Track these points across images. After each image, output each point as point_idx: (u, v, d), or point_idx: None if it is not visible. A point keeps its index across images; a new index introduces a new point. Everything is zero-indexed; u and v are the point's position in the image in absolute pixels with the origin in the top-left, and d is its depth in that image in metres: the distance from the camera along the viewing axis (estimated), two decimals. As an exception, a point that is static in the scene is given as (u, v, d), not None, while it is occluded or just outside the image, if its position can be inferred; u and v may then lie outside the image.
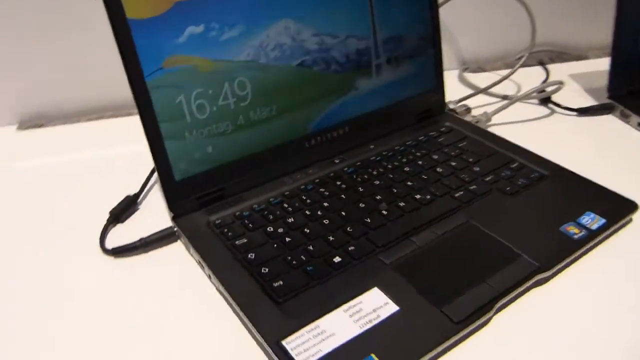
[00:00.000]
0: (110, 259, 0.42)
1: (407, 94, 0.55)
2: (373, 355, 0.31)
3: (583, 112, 0.61)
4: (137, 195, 0.48)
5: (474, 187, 0.46)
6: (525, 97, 0.62)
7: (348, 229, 0.41)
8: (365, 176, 0.48)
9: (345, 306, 0.34)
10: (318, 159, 0.50)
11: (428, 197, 0.45)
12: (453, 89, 0.66)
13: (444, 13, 0.67)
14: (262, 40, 0.44)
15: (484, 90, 0.63)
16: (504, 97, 0.64)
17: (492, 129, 0.57)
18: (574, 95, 0.64)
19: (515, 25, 0.67)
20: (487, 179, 0.47)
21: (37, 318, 0.37)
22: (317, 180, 0.47)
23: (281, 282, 0.36)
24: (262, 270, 0.37)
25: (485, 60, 0.74)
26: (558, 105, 0.62)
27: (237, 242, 0.40)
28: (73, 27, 0.61)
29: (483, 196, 0.45)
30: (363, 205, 0.44)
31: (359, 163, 0.50)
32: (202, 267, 0.40)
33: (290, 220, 0.42)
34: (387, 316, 0.34)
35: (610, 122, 0.59)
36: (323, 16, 0.47)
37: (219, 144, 0.44)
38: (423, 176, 0.47)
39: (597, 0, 0.72)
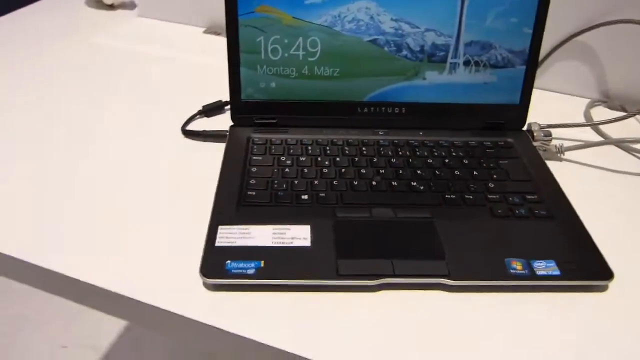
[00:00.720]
0: (181, 138, 0.58)
1: (480, 100, 0.57)
2: (262, 262, 0.41)
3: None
4: (227, 102, 0.62)
5: (471, 197, 0.48)
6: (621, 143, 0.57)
7: (334, 182, 0.49)
8: (390, 152, 0.54)
9: (276, 226, 0.44)
10: (364, 126, 0.57)
11: (422, 187, 0.49)
12: (568, 117, 0.63)
13: (594, 37, 0.64)
14: (341, 12, 0.53)
15: (592, 125, 0.60)
16: (605, 139, 0.60)
17: (556, 163, 0.56)
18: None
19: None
20: (491, 196, 0.49)
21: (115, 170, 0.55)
22: (349, 140, 0.55)
23: (253, 193, 0.48)
24: (250, 181, 0.49)
25: (631, 100, 0.67)
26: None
27: (253, 157, 0.52)
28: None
29: (470, 207, 0.47)
30: (364, 171, 0.51)
31: (396, 141, 0.55)
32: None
33: (302, 159, 0.52)
34: (297, 245, 0.42)
35: None
36: (407, 6, 0.53)
37: (282, 83, 0.55)
38: (437, 171, 0.51)
39: None
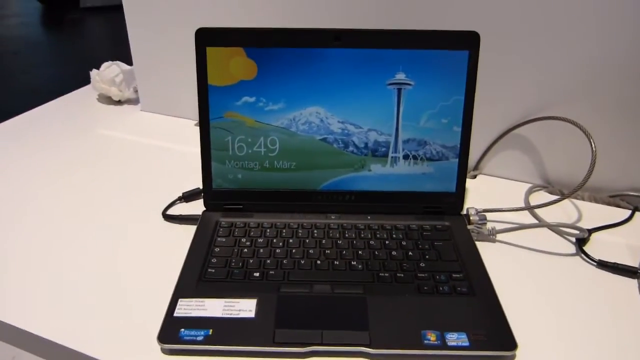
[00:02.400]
0: (162, 221, 0.67)
1: (419, 188, 0.65)
2: (210, 330, 0.48)
3: (604, 265, 0.60)
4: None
5: (402, 275, 0.55)
6: (554, 227, 0.64)
7: (284, 261, 0.57)
8: (337, 235, 0.62)
9: (227, 300, 0.51)
10: (319, 211, 0.65)
11: (359, 266, 0.57)
12: (507, 201, 0.70)
13: (536, 128, 0.73)
14: (296, 116, 0.63)
15: (529, 209, 0.67)
16: (539, 222, 0.67)
17: (489, 245, 0.63)
18: (616, 250, 0.63)
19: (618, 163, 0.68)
20: (420, 274, 0.56)
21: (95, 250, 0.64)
22: (303, 224, 0.63)
23: (213, 270, 0.55)
24: (212, 260, 0.57)
25: (570, 184, 0.75)
26: (583, 251, 0.62)
27: (218, 239, 0.61)
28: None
29: (400, 283, 0.54)
30: (311, 251, 0.59)
31: (344, 224, 0.63)
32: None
33: (260, 240, 0.60)
34: (242, 317, 0.49)
35: (627, 286, 0.58)
36: (351, 110, 0.63)
37: (247, 175, 0.65)
38: (376, 252, 0.59)
39: None
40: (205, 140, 0.64)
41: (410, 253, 0.59)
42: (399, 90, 0.62)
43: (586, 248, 0.62)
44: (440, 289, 0.54)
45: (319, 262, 0.57)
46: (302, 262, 0.57)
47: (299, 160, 0.64)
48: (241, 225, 0.63)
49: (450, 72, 0.61)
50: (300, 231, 0.62)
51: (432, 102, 0.62)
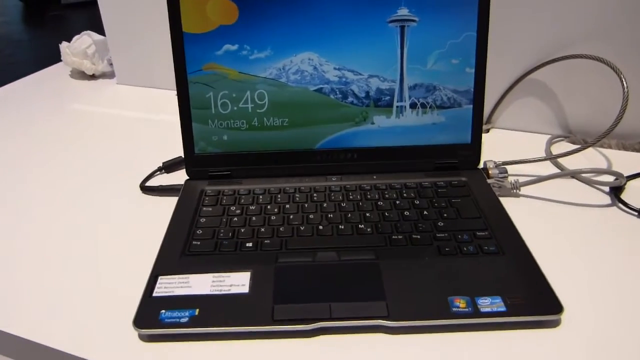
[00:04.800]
0: (140, 194, 0.59)
1: (430, 141, 0.57)
2: (197, 310, 0.40)
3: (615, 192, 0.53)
4: (186, 159, 0.64)
5: (418, 236, 0.48)
6: (583, 175, 0.57)
7: (281, 229, 0.49)
8: (340, 197, 0.54)
9: (216, 274, 0.44)
10: (317, 173, 0.58)
11: (368, 229, 0.49)
12: (528, 153, 0.63)
13: (550, 73, 0.65)
14: (286, 64, 0.55)
15: (551, 159, 0.60)
16: (563, 171, 0.59)
17: (512, 199, 0.55)
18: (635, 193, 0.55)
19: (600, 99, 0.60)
20: (440, 235, 0.48)
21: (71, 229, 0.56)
22: (301, 188, 0.55)
23: (198, 243, 0.48)
24: (197, 231, 0.49)
25: (594, 132, 0.67)
26: (621, 200, 0.55)
27: (203, 208, 0.53)
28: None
29: (416, 246, 0.47)
30: (312, 216, 0.51)
31: (347, 186, 0.56)
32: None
33: (252, 208, 0.52)
34: (235, 292, 0.42)
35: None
36: (348, 54, 0.55)
37: (233, 135, 0.57)
38: (385, 213, 0.51)
39: None
40: (184, 98, 0.55)
41: (425, 212, 0.51)
42: (402, 28, 0.54)
43: (623, 197, 0.55)
44: (464, 249, 0.46)
45: (321, 227, 0.49)
46: (302, 228, 0.49)
47: (291, 115, 0.56)
48: (229, 192, 0.55)
49: (460, 4, 0.53)
50: (297, 195, 0.54)
51: (440, 41, 0.54)
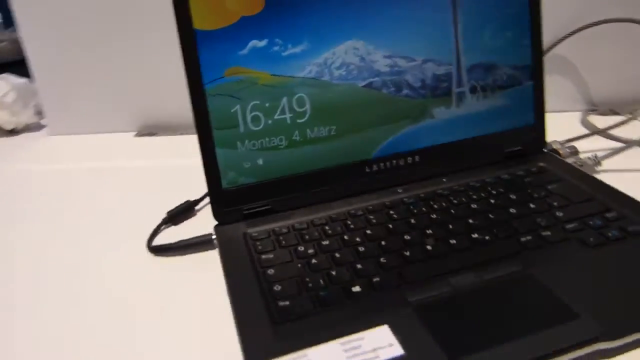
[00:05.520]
0: (150, 256, 0.44)
1: (495, 128, 0.49)
2: (352, 397, 0.27)
3: None
4: (196, 202, 0.49)
5: (548, 233, 0.39)
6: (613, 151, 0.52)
7: (382, 259, 0.37)
8: (424, 209, 0.43)
9: (343, 339, 0.31)
10: (379, 187, 0.47)
11: (487, 237, 0.39)
12: (570, 132, 0.57)
13: (570, 46, 0.60)
14: (327, 58, 0.44)
15: (601, 132, 0.54)
16: (627, 142, 0.54)
17: (600, 176, 0.49)
18: None
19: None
20: (569, 226, 0.39)
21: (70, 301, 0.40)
22: (369, 207, 0.44)
23: (287, 303, 0.34)
24: (274, 288, 0.36)
25: (620, 102, 0.64)
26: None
27: (262, 257, 0.39)
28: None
29: (556, 244, 0.38)
30: (408, 237, 0.40)
31: (422, 195, 0.45)
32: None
33: (325, 243, 0.40)
34: (388, 358, 0.29)
35: None
36: (397, 38, 0.45)
37: (270, 157, 0.44)
38: (490, 215, 0.42)
39: None
40: (202, 118, 0.42)
41: (532, 205, 0.42)
42: (453, 1, 0.46)
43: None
44: (609, 234, 0.38)
45: (429, 247, 0.38)
46: (407, 253, 0.38)
47: (339, 121, 0.45)
48: (284, 230, 0.42)
49: (508, -33, 0.46)
50: (372, 217, 0.43)
51: (492, 12, 0.47)
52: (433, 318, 0.32)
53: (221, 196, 0.43)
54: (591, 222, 0.39)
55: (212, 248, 0.43)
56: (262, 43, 0.42)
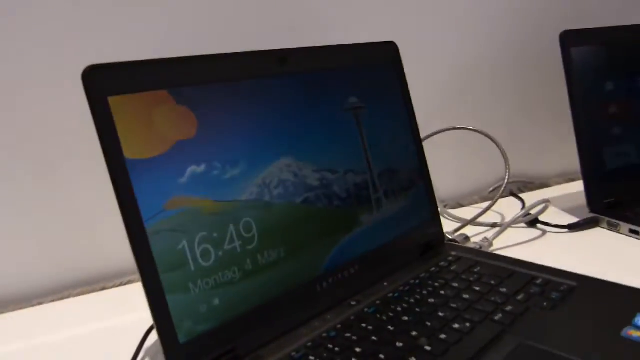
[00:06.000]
0: None
1: (408, 226, 0.53)
2: None
3: (573, 227, 0.61)
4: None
5: (510, 307, 0.41)
6: (515, 221, 0.62)
7: (392, 374, 0.34)
8: (391, 314, 0.42)
9: None
10: (333, 304, 0.44)
11: (467, 324, 0.39)
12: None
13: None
14: (265, 178, 0.42)
15: (473, 221, 0.63)
16: (494, 225, 0.64)
17: (499, 253, 0.55)
18: (555, 216, 0.65)
19: (484, 162, 0.70)
20: (519, 297, 0.43)
21: None
22: (339, 326, 0.41)
23: None
24: None
25: (462, 196, 0.76)
26: (547, 224, 0.62)
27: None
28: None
29: (523, 315, 0.40)
30: (401, 344, 0.38)
31: (378, 302, 0.44)
32: None
33: (337, 349, 0.35)
34: None
35: (600, 234, 0.60)
36: (321, 154, 0.46)
37: (226, 294, 0.38)
38: (452, 305, 0.43)
39: (554, 132, 0.78)
40: (145, 263, 0.34)
41: (477, 288, 0.45)
42: (356, 116, 0.50)
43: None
44: (553, 296, 0.43)
45: (427, 348, 0.37)
46: (413, 359, 0.36)
47: (286, 241, 0.42)
48: (267, 374, 0.36)
49: (386, 86, 0.54)
50: (347, 334, 0.40)
51: (385, 124, 0.53)
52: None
53: (180, 354, 0.35)
54: (532, 291, 0.44)
55: None
56: (201, 168, 0.38)
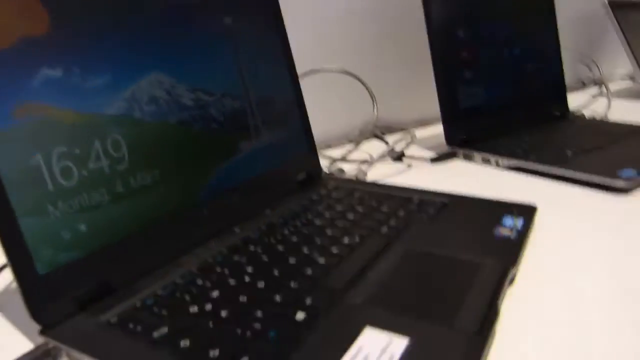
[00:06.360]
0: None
1: (287, 156, 0.51)
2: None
3: (434, 160, 0.65)
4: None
5: (393, 222, 0.43)
6: (383, 156, 0.65)
7: (292, 284, 0.33)
8: (279, 237, 0.41)
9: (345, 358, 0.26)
10: (215, 232, 0.41)
11: (357, 238, 0.40)
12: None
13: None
14: (135, 92, 0.37)
15: (345, 157, 0.64)
16: (363, 162, 0.65)
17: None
18: (418, 152, 0.69)
19: (352, 105, 0.72)
20: (400, 214, 0.45)
21: None
22: (225, 251, 0.38)
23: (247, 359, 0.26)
24: (211, 355, 0.26)
25: (330, 138, 0.76)
26: (412, 157, 0.65)
27: (155, 335, 0.28)
28: None
29: (406, 228, 0.42)
30: (294, 260, 0.36)
31: (264, 227, 0.42)
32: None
33: (215, 294, 0.32)
34: (402, 352, 0.26)
35: (458, 164, 0.65)
36: (195, 73, 0.42)
37: (94, 220, 0.33)
38: (338, 225, 0.43)
39: (418, 79, 0.82)
40: (-11, 179, 0.28)
41: (360, 209, 0.46)
42: (232, 39, 0.47)
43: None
44: (430, 211, 0.45)
45: (321, 261, 0.36)
46: (309, 272, 0.35)
47: (161, 165, 0.38)
48: (150, 301, 0.32)
49: (262, 14, 0.51)
50: (236, 256, 0.37)
51: (261, 52, 0.50)
52: (394, 302, 0.30)
53: (40, 287, 0.29)
54: (410, 208, 0.46)
55: (50, 366, 0.28)
56: (56, 72, 0.32)
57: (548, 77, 0.83)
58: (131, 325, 0.29)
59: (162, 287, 0.33)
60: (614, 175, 0.52)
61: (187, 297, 0.32)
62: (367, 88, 0.66)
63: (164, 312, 0.30)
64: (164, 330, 0.29)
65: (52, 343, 0.29)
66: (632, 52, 1.01)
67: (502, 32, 0.75)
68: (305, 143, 0.54)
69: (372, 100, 0.67)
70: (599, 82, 1.02)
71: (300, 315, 0.30)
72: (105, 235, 0.33)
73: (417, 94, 0.82)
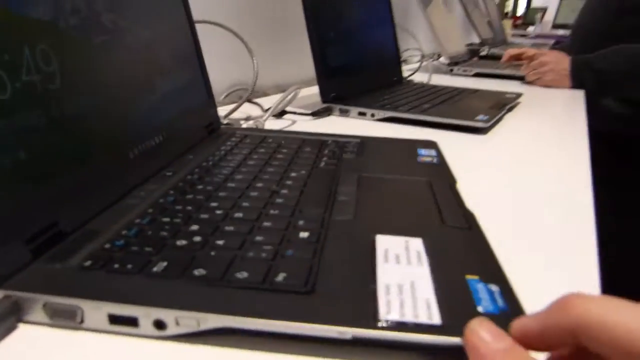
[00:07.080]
0: None
1: (193, 103, 0.48)
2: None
3: (314, 114, 0.67)
4: None
5: (325, 158, 0.43)
6: (268, 113, 0.64)
7: (272, 211, 0.31)
8: (221, 176, 0.38)
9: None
10: (148, 174, 0.36)
11: (303, 172, 0.39)
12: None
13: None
14: (56, -2, 0.30)
15: (230, 114, 0.61)
16: (247, 119, 0.63)
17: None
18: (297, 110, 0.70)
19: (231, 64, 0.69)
20: (326, 152, 0.45)
21: None
22: (171, 191, 0.34)
23: (245, 274, 0.24)
24: (239, 276, 0.24)
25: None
26: (294, 112, 0.66)
27: (155, 270, 0.24)
28: None
29: (341, 161, 0.43)
30: (256, 194, 0.34)
31: (197, 169, 0.39)
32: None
33: (195, 228, 0.29)
34: (424, 248, 0.27)
35: (336, 119, 0.68)
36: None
37: (34, 145, 0.26)
38: (274, 163, 0.41)
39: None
40: None
41: (285, 150, 0.45)
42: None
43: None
44: (352, 150, 0.47)
45: (284, 191, 0.35)
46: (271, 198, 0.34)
47: (93, 93, 0.32)
48: (134, 231, 0.27)
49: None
50: (188, 191, 0.34)
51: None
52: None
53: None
54: (331, 149, 0.46)
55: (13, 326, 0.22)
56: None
57: (389, 50, 0.92)
58: (116, 266, 0.24)
59: (124, 228, 0.28)
60: (475, 120, 0.61)
61: (165, 233, 0.28)
62: (245, 44, 0.64)
63: (148, 249, 0.26)
64: (163, 264, 0.25)
65: (17, 296, 0.22)
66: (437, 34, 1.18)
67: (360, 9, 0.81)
68: (204, 93, 0.51)
69: (251, 57, 0.65)
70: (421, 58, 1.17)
71: (303, 234, 0.28)
72: (49, 167, 0.27)
73: (296, 57, 0.83)
